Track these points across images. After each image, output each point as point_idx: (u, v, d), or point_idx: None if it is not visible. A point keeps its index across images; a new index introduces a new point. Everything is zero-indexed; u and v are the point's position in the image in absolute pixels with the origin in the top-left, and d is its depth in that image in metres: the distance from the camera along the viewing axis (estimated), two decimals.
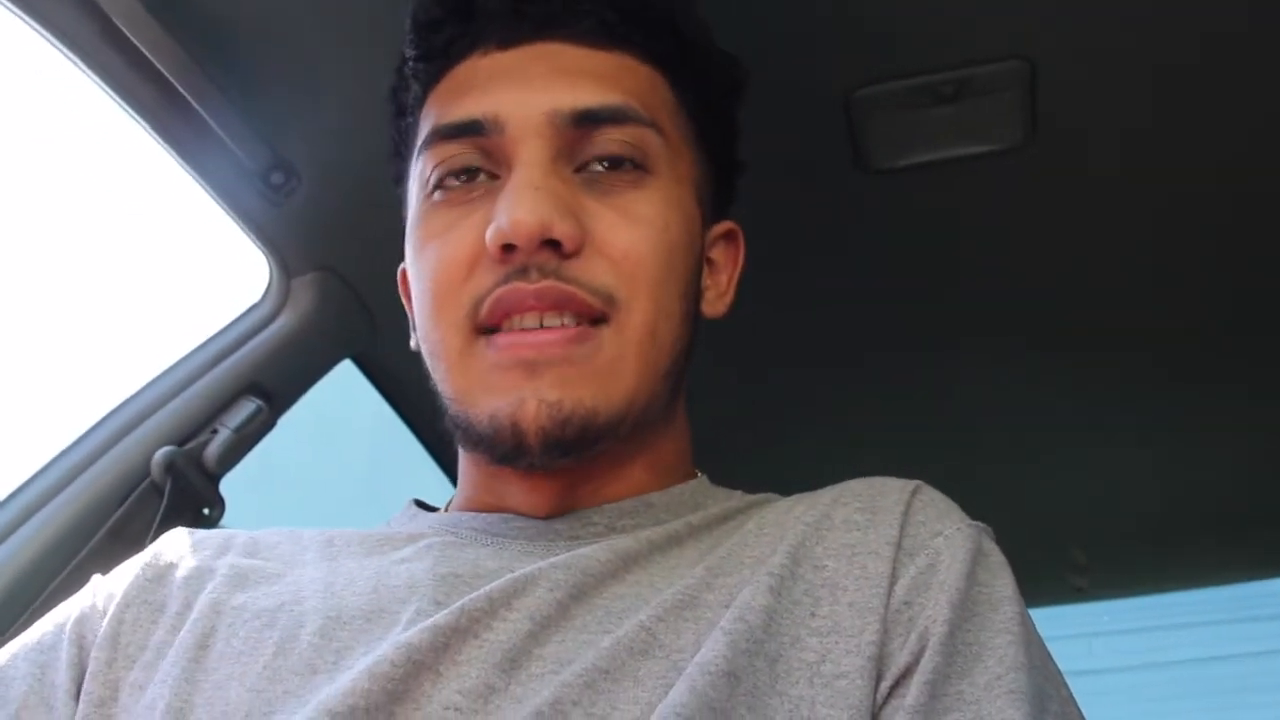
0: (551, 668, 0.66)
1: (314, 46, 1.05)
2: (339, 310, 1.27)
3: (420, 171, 0.81)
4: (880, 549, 0.72)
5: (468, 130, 0.78)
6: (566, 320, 0.75)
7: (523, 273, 0.74)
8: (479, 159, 0.79)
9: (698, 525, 0.77)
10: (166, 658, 0.73)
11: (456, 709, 0.65)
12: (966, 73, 1.09)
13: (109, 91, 1.02)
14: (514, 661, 0.67)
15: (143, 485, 1.12)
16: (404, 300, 0.89)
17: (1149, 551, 1.94)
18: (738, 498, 0.83)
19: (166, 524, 1.10)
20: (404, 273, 0.88)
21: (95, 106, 1.05)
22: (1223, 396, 1.57)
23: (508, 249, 0.74)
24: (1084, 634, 6.03)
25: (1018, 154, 1.17)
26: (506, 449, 0.74)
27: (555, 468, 0.76)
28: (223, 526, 1.19)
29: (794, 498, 0.79)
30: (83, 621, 0.77)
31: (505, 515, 0.80)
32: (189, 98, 1.03)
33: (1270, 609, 5.82)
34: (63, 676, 0.74)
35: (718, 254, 0.88)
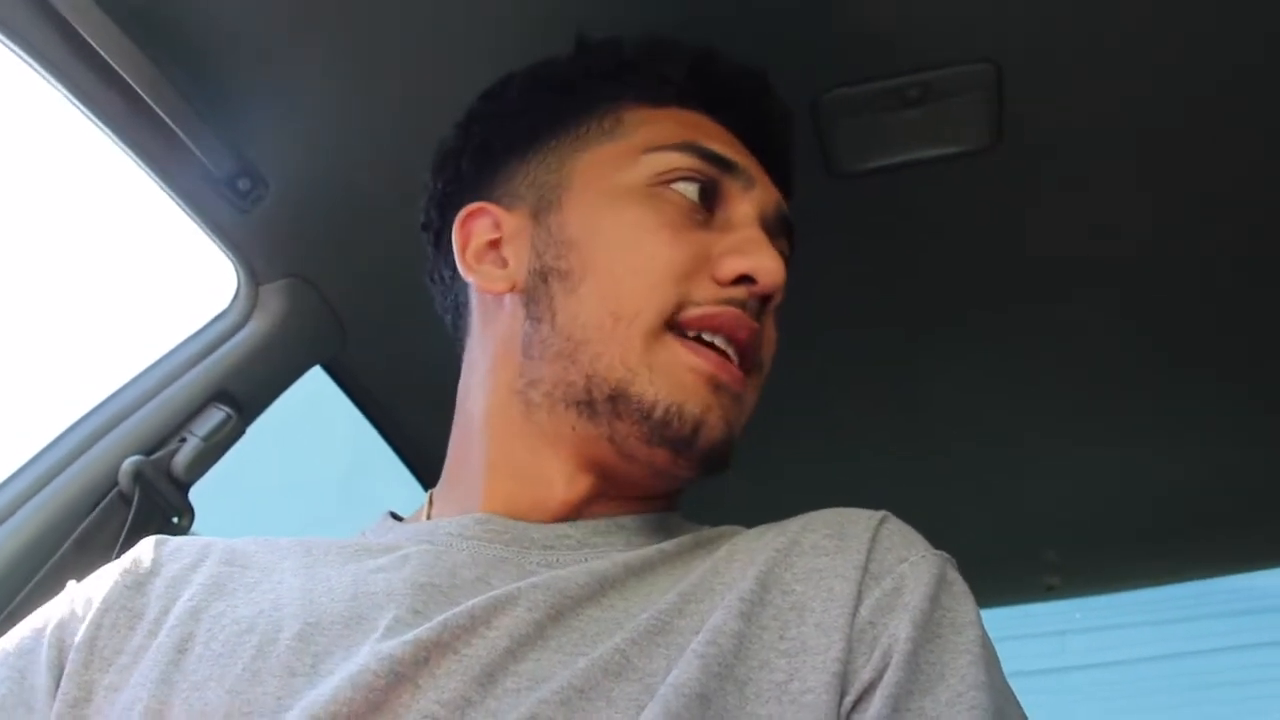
0: (528, 684, 0.68)
1: (280, 52, 1.05)
2: (308, 317, 1.27)
3: (657, 162, 0.86)
4: (847, 572, 0.74)
5: (722, 163, 0.87)
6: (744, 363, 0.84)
7: (741, 305, 0.83)
8: (711, 186, 0.87)
9: (670, 552, 0.80)
10: (144, 661, 0.75)
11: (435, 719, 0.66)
12: (933, 75, 1.10)
13: (71, 98, 1.01)
14: (491, 677, 0.69)
15: (111, 495, 1.11)
16: (458, 239, 0.89)
17: (1120, 549, 1.95)
18: (706, 529, 0.85)
19: (135, 533, 1.09)
20: (477, 209, 0.90)
21: (58, 113, 1.05)
22: (1192, 397, 1.58)
23: (742, 281, 0.83)
24: (1056, 631, 6.06)
25: (985, 156, 1.18)
26: (675, 435, 0.80)
27: (677, 472, 0.83)
28: (194, 534, 1.18)
29: (764, 526, 0.82)
30: (62, 626, 0.79)
31: (479, 516, 0.82)
32: (153, 105, 1.02)
33: (1238, 604, 5.87)
34: (42, 679, 0.76)
35: None
